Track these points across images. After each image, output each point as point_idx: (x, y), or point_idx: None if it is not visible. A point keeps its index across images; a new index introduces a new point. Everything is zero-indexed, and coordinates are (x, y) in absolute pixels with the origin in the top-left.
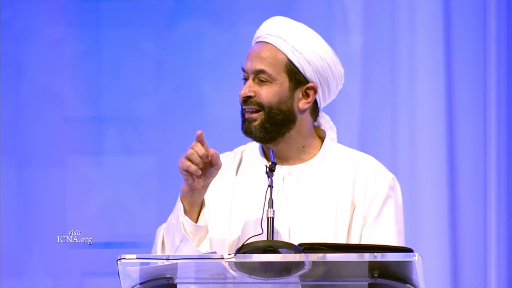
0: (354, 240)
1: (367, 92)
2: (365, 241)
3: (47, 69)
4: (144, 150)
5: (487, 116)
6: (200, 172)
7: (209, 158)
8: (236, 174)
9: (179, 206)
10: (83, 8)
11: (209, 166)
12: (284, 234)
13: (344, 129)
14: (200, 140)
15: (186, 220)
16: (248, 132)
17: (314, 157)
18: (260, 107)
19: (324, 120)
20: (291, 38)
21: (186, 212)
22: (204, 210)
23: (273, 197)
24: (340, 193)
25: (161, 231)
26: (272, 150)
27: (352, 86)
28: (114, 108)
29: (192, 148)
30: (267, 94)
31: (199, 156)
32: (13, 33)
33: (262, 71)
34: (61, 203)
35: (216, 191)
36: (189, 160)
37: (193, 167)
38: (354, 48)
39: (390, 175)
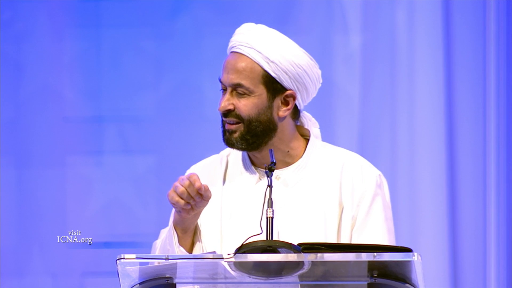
0: (344, 241)
1: (367, 92)
2: (356, 241)
3: (47, 69)
4: (144, 150)
5: (486, 115)
6: (189, 206)
7: (200, 197)
8: (224, 181)
9: (173, 235)
10: (83, 8)
11: (199, 198)
12: (274, 238)
13: (344, 129)
14: (192, 179)
15: (181, 251)
16: (230, 143)
17: (300, 160)
18: (240, 119)
19: (306, 119)
20: (265, 49)
21: (180, 239)
22: (199, 244)
23: (260, 202)
24: (327, 195)
25: (156, 250)
26: (271, 150)
27: (352, 86)
28: (114, 108)
29: (183, 186)
30: (245, 107)
31: (189, 194)
32: (13, 33)
33: (239, 85)
34: (61, 203)
35: None
36: (179, 195)
37: (181, 202)
38: (353, 48)
39: (376, 172)
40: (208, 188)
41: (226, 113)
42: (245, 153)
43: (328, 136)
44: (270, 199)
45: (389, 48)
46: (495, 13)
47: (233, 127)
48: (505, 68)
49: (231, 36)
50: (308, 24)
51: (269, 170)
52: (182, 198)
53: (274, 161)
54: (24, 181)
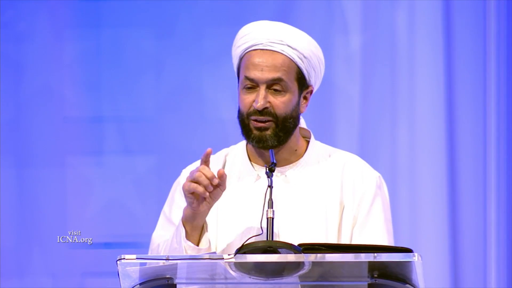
0: (344, 240)
1: (367, 92)
2: (356, 241)
3: (47, 69)
4: (144, 150)
5: (486, 115)
6: (207, 194)
7: (218, 179)
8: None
9: (181, 231)
10: (83, 8)
11: (214, 187)
12: (273, 236)
13: (344, 129)
14: (206, 160)
15: (189, 245)
16: (263, 140)
17: (302, 158)
18: (274, 117)
19: None
20: (298, 46)
21: (188, 235)
22: (206, 234)
23: (258, 201)
24: (328, 193)
25: (162, 250)
26: (271, 150)
27: (352, 86)
28: (114, 108)
29: (200, 171)
30: (283, 104)
31: (207, 178)
32: (14, 33)
33: (279, 80)
34: (61, 203)
35: None
36: (196, 182)
37: (200, 189)
38: (353, 49)
39: (376, 174)
40: (224, 172)
41: (261, 111)
42: (245, 151)
43: (328, 136)
44: (271, 200)
45: (389, 48)
46: (495, 13)
47: (266, 124)
48: (505, 68)
49: (231, 36)
50: (308, 24)
51: (270, 171)
52: (199, 184)
53: (275, 161)
54: (24, 181)
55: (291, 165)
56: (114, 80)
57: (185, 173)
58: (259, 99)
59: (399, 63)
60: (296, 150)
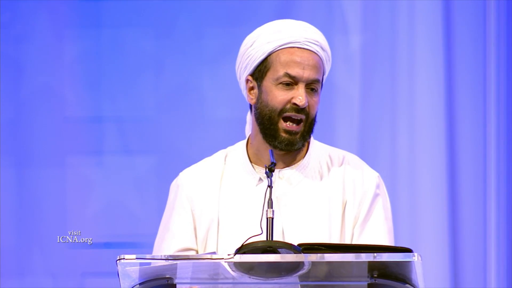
0: (347, 239)
1: (367, 92)
2: (357, 240)
3: (47, 69)
4: (144, 150)
5: (486, 115)
6: None
7: None
8: (221, 184)
9: None
10: (83, 8)
11: None
12: (278, 236)
13: (344, 129)
14: None
15: None
16: (293, 144)
17: (304, 159)
18: (307, 117)
19: None
20: (327, 48)
21: None
22: None
23: (261, 204)
24: (331, 193)
25: None
26: (271, 150)
27: (352, 87)
28: (114, 108)
29: None
30: (316, 104)
31: None
32: (13, 34)
33: (317, 81)
34: (61, 203)
35: (201, 205)
36: None
37: None
38: (353, 49)
39: (375, 173)
40: None
41: (300, 109)
42: (246, 153)
43: (328, 136)
44: (270, 200)
45: (389, 48)
46: (495, 13)
47: (298, 128)
48: (505, 68)
49: (231, 36)
50: None
51: (269, 171)
52: None
53: (274, 161)
54: (24, 181)
55: (294, 166)
56: (114, 80)
57: (183, 176)
58: (302, 97)
59: (399, 63)
60: (302, 150)
